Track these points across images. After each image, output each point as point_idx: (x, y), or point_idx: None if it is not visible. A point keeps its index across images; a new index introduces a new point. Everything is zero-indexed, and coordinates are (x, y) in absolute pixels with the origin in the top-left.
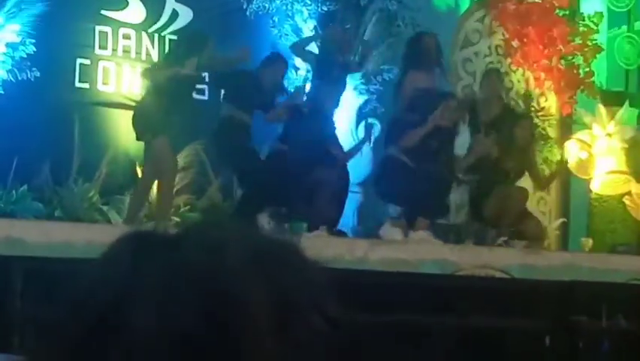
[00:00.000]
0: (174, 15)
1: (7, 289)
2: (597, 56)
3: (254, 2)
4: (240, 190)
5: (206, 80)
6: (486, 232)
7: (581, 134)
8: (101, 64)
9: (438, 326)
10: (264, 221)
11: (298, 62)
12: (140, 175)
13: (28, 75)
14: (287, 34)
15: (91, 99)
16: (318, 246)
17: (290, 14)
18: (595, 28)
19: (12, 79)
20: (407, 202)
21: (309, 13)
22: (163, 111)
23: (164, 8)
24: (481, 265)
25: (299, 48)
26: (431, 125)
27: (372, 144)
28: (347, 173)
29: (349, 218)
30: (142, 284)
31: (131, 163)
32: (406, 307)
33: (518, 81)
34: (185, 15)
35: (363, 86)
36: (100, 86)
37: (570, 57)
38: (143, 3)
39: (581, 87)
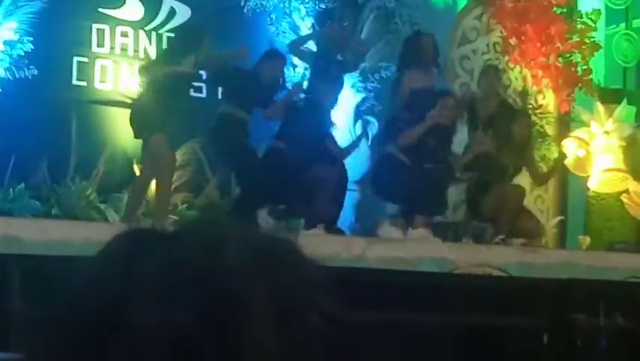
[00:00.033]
0: (172, 13)
1: (4, 288)
2: (595, 53)
3: (251, 0)
4: (238, 188)
5: (204, 77)
6: (484, 230)
7: (578, 132)
8: (99, 62)
9: (436, 324)
10: (262, 219)
11: (296, 59)
12: (137, 173)
13: (26, 73)
14: (284, 32)
15: (88, 97)
16: (316, 244)
17: (287, 12)
18: (593, 25)
19: (9, 77)
20: (405, 201)
21: (306, 11)
22: (160, 109)
23: (161, 6)
24: (478, 264)
25: (296, 47)
26: (429, 123)
27: (370, 142)
28: (345, 171)
29: (347, 216)
30: (140, 282)
31: (128, 161)
32: (403, 305)
33: (516, 79)
34: (183, 13)
35: (360, 84)
36: (97, 84)
37: (568, 55)
38: (140, 1)
39: (579, 85)
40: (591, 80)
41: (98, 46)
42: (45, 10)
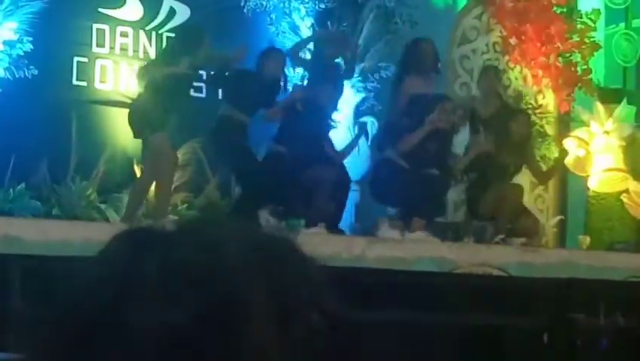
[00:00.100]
0: (171, 13)
1: (4, 288)
2: (595, 53)
3: (251, 0)
4: (238, 188)
5: (204, 77)
6: (484, 229)
7: (578, 132)
8: (99, 62)
9: (436, 323)
10: (262, 218)
11: None
12: (138, 173)
13: (26, 73)
14: (284, 32)
15: (88, 97)
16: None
17: (287, 12)
18: (592, 25)
19: (9, 77)
20: (404, 205)
21: (306, 11)
22: (160, 109)
23: (161, 6)
24: (478, 263)
25: (294, 53)
26: (428, 128)
27: (370, 142)
28: (345, 172)
29: (347, 216)
30: (140, 282)
31: (128, 161)
32: (403, 305)
33: (516, 79)
34: (183, 13)
35: (360, 84)
36: (97, 84)
37: (568, 54)
38: (140, 1)
39: (579, 85)
40: (591, 79)
41: (97, 46)
42: (45, 10)
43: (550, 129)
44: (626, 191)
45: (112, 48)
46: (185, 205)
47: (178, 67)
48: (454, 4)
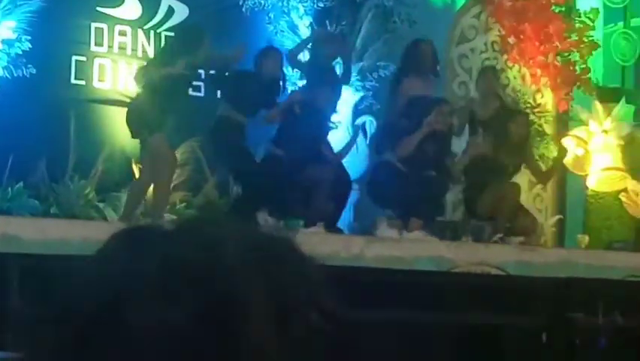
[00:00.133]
0: (170, 12)
1: (3, 287)
2: (593, 52)
3: None
4: (237, 188)
5: (203, 77)
6: (482, 228)
7: (577, 131)
8: (97, 61)
9: (434, 322)
10: (261, 218)
11: None
12: (136, 172)
13: (24, 72)
14: (283, 31)
15: (87, 96)
16: (315, 243)
17: (286, 11)
18: (591, 24)
19: (7, 76)
20: (402, 208)
21: (304, 10)
22: (159, 109)
23: (159, 5)
24: (477, 262)
25: (293, 57)
26: (425, 130)
27: (368, 141)
28: (344, 172)
29: (346, 215)
30: (139, 281)
31: (127, 160)
32: (402, 304)
33: (514, 78)
34: (181, 12)
35: (359, 83)
36: (96, 83)
37: (566, 54)
38: (139, 0)
39: (578, 84)
40: (589, 78)
41: (96, 45)
42: (43, 9)
43: (548, 128)
44: (625, 190)
45: (110, 47)
46: (183, 204)
47: (175, 67)
48: (453, 3)
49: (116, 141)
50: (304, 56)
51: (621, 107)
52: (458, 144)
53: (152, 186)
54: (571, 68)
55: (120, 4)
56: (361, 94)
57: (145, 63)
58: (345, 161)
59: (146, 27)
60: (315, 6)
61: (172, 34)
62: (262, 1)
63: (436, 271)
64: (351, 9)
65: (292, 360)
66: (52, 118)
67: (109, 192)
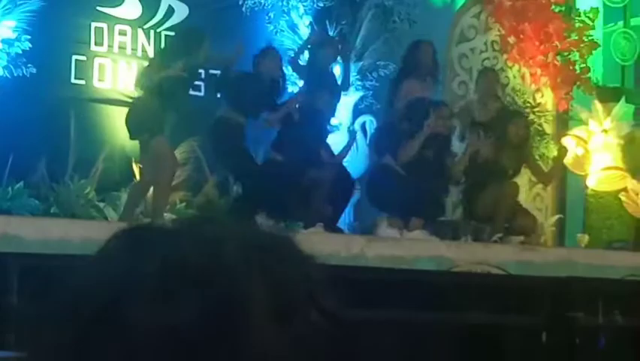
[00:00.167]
0: (170, 11)
1: (3, 286)
2: (593, 51)
3: None
4: (237, 188)
5: (202, 76)
6: (482, 228)
7: (577, 131)
8: (97, 60)
9: (434, 322)
10: (261, 219)
11: None
12: (136, 171)
13: (24, 71)
14: (282, 31)
15: (87, 96)
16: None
17: (286, 10)
18: (591, 24)
19: (8, 75)
20: (402, 211)
21: (304, 10)
22: (159, 111)
23: (159, 4)
24: (477, 262)
25: (295, 62)
26: (426, 131)
27: (368, 140)
28: (345, 173)
29: (346, 215)
30: (139, 281)
31: (127, 160)
32: (402, 303)
33: (514, 77)
34: (181, 11)
35: (359, 82)
36: (96, 83)
37: (566, 53)
38: None
39: (577, 83)
40: (589, 78)
41: (96, 44)
42: (43, 9)
43: (548, 128)
44: (625, 189)
45: (110, 46)
46: (183, 204)
47: (174, 69)
48: (453, 3)
49: (116, 140)
50: (303, 59)
51: (621, 107)
52: (458, 145)
53: (153, 187)
54: (571, 67)
55: (120, 4)
56: (361, 93)
57: (145, 64)
58: (344, 161)
59: (146, 26)
60: (315, 5)
61: (172, 33)
62: (262, 1)
63: (436, 270)
64: (351, 8)
65: (293, 360)
66: (52, 118)
67: (109, 192)
